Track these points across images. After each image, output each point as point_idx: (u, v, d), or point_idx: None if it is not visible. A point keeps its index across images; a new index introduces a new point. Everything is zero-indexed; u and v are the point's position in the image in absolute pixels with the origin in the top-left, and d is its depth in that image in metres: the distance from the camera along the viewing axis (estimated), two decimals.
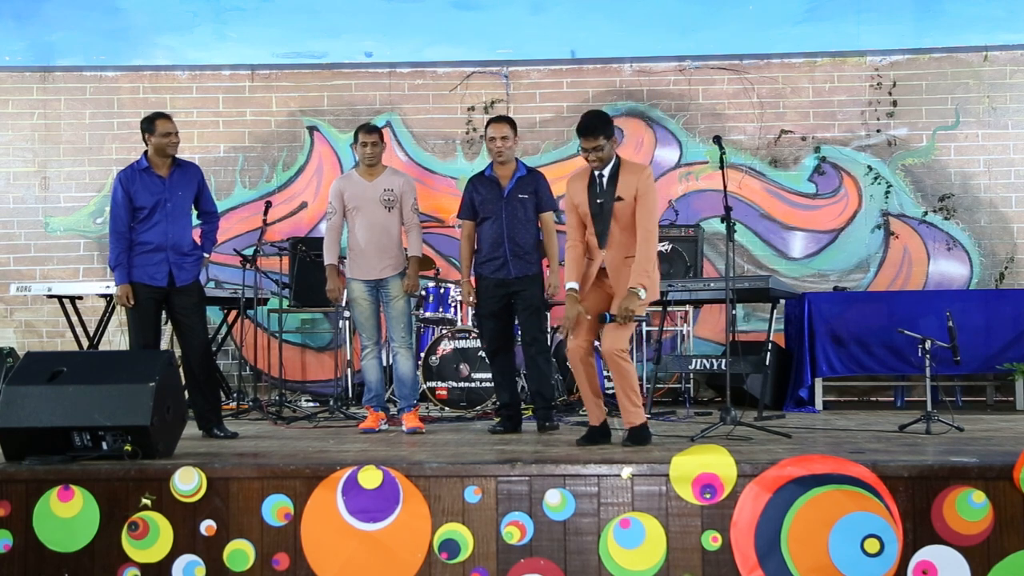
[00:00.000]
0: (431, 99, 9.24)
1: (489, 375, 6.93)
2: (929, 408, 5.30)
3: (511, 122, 5.85)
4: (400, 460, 3.97)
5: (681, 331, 8.57)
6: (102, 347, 8.03)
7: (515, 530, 3.76)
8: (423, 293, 7.40)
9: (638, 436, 4.71)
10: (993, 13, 8.81)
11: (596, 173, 4.82)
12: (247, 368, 8.48)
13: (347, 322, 7.83)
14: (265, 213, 6.99)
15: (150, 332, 5.35)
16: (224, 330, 8.46)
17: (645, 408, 6.64)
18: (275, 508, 3.83)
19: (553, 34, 9.06)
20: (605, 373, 7.47)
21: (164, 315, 5.49)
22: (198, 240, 5.59)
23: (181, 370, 5.32)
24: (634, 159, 9.01)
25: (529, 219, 5.78)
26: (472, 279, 5.96)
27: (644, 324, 8.49)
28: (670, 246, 8.04)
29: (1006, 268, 8.81)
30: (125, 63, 9.26)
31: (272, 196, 8.85)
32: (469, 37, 9.05)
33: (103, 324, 8.01)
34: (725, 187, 5.26)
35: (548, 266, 5.97)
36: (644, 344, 8.49)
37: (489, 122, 5.88)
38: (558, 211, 6.07)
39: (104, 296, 7.89)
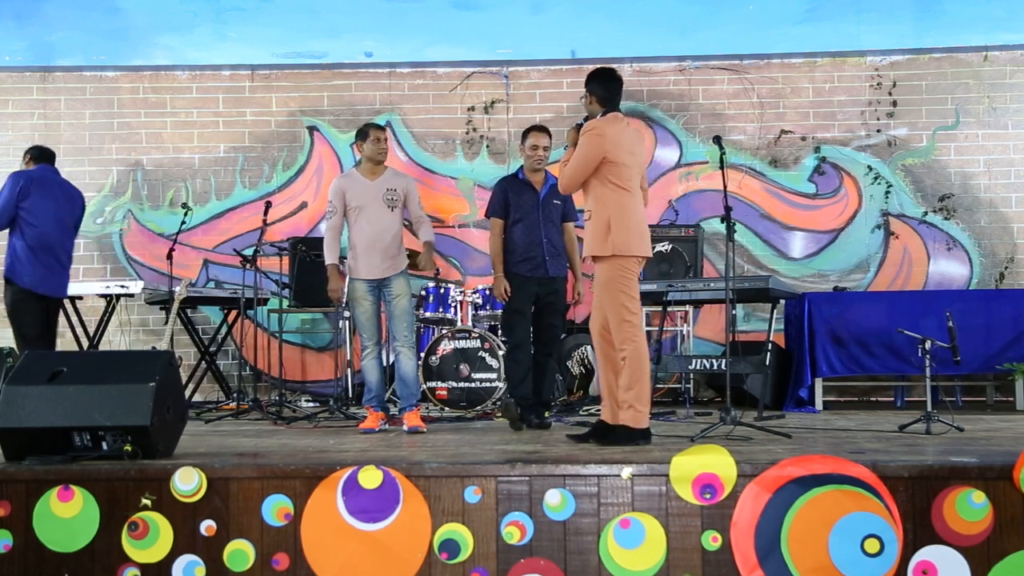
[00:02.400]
0: (431, 99, 9.24)
1: (489, 375, 6.94)
2: (929, 408, 5.30)
3: (549, 132, 6.05)
4: (400, 460, 3.97)
5: (681, 331, 8.57)
6: (102, 347, 8.04)
7: (515, 530, 3.76)
8: (423, 293, 7.40)
9: (599, 432, 4.78)
10: (993, 13, 8.80)
11: None
12: (247, 368, 8.48)
13: (347, 322, 7.83)
14: (265, 213, 6.99)
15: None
16: (224, 330, 8.46)
17: None
18: (275, 508, 3.83)
19: (553, 34, 9.05)
20: None
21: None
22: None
23: None
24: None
25: (559, 225, 6.03)
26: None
27: (644, 324, 8.49)
28: (670, 246, 8.03)
29: (1006, 268, 8.81)
30: (125, 63, 9.26)
31: (272, 196, 8.85)
32: (469, 37, 9.05)
33: (103, 324, 8.02)
34: (725, 187, 5.26)
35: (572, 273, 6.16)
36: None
37: (529, 131, 6.05)
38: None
39: (104, 296, 7.89)
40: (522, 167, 6.09)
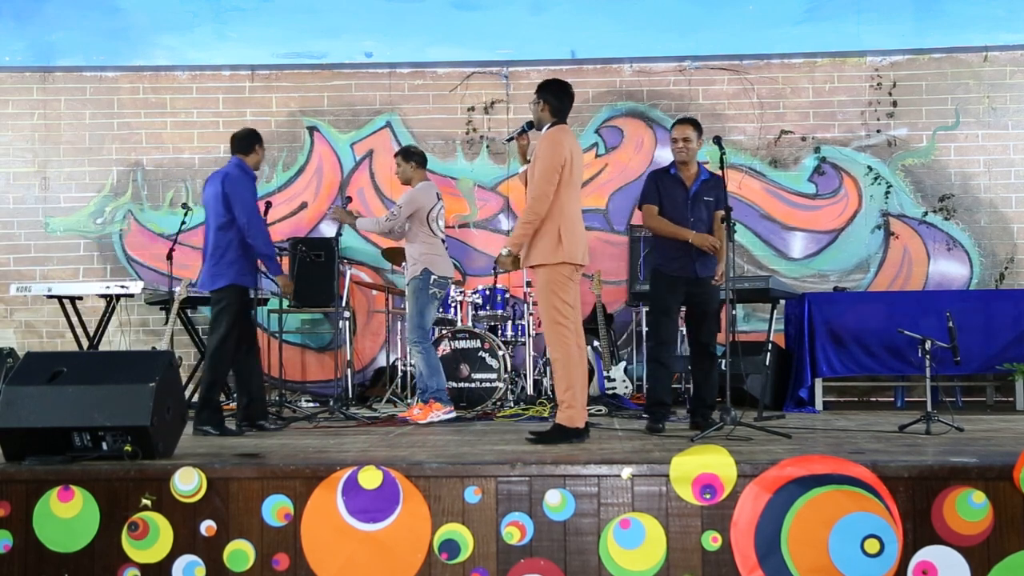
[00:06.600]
0: (431, 99, 9.24)
1: (489, 375, 6.94)
2: (929, 408, 5.30)
3: (695, 124, 5.66)
4: (400, 460, 3.97)
5: (681, 331, 8.55)
6: (102, 347, 8.04)
7: (515, 530, 3.76)
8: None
9: (547, 435, 4.87)
10: (993, 13, 8.81)
11: None
12: None
13: (347, 322, 7.83)
14: (265, 213, 6.96)
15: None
16: None
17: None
18: (275, 508, 3.83)
19: (553, 34, 9.06)
20: (605, 374, 7.50)
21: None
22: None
23: None
24: (633, 160, 9.09)
25: (709, 224, 5.62)
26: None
27: (644, 324, 8.49)
28: None
29: (1006, 268, 8.81)
30: (125, 63, 9.25)
31: (272, 196, 8.84)
32: (469, 37, 9.06)
33: (103, 324, 8.01)
34: (725, 187, 5.26)
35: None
36: (644, 344, 8.49)
37: (675, 123, 5.71)
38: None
39: (104, 296, 7.89)
40: (674, 161, 5.68)
